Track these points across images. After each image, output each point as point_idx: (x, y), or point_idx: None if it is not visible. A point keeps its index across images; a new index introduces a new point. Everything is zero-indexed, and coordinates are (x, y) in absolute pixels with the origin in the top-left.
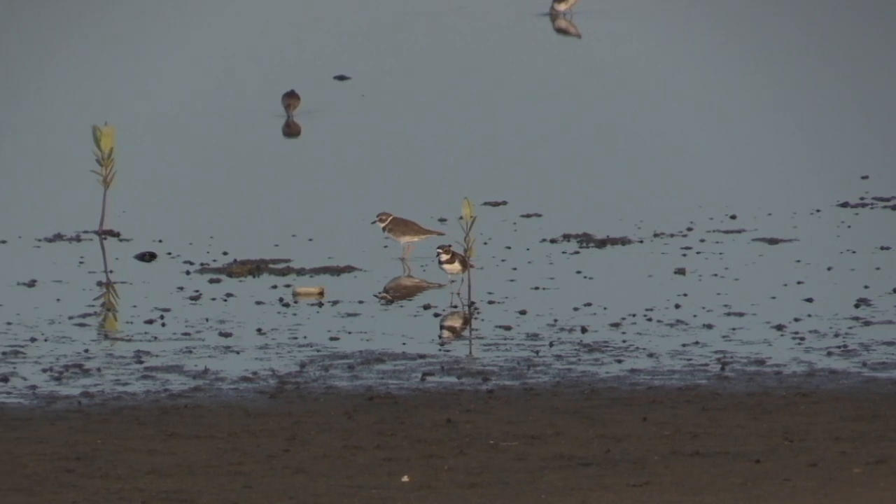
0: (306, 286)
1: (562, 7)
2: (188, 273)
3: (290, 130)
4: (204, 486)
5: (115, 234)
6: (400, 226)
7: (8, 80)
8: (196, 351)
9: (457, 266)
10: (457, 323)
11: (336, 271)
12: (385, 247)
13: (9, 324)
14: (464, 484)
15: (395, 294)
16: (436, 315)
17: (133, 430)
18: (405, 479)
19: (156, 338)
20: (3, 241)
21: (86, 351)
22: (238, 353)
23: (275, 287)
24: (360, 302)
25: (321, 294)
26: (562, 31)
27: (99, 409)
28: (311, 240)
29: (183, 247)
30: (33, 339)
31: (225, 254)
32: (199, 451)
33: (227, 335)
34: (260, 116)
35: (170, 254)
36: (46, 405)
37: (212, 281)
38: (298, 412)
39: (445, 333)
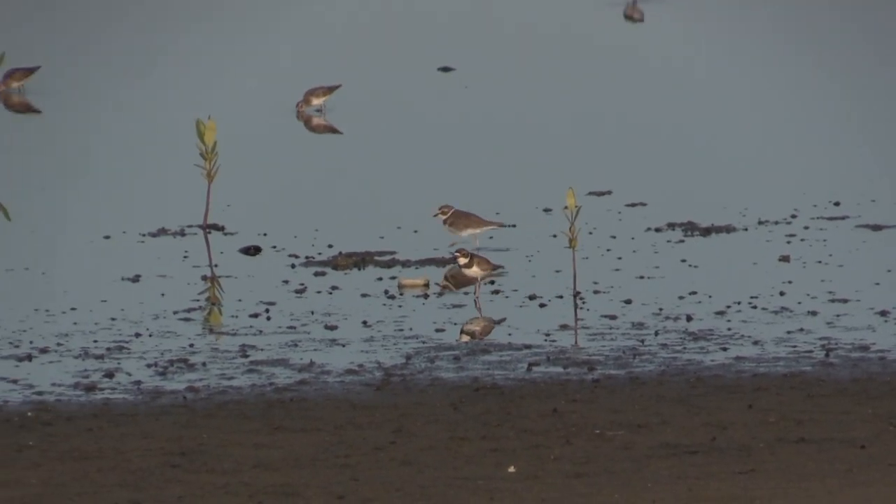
0: (411, 278)
1: None
2: (293, 266)
3: (306, 123)
4: (310, 479)
5: (220, 228)
6: (461, 219)
7: (108, 75)
8: (301, 344)
9: (476, 269)
10: (477, 327)
11: (441, 263)
12: (491, 238)
13: (113, 319)
14: (570, 473)
15: (455, 282)
16: (541, 306)
17: (238, 424)
18: (511, 469)
19: (261, 331)
20: (107, 237)
21: (190, 345)
22: (343, 345)
23: (380, 279)
24: (466, 293)
25: (426, 286)
26: (629, 19)
27: (204, 403)
28: (416, 231)
29: (287, 240)
30: (138, 335)
31: (330, 246)
32: (305, 445)
33: (332, 328)
34: (362, 107)
35: (274, 247)
36: (151, 400)
37: (317, 274)
38: (404, 404)
39: (464, 337)
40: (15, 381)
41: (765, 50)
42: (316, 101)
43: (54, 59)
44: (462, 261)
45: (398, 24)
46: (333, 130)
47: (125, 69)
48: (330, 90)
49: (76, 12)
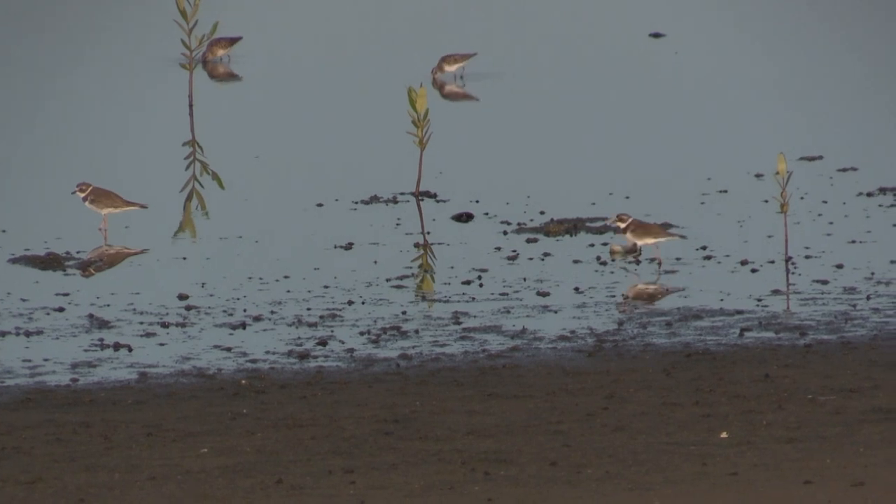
0: (623, 244)
1: None
2: (505, 233)
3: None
4: (523, 445)
5: (432, 195)
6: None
7: (327, 45)
8: (514, 311)
9: (630, 236)
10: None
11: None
12: (702, 203)
13: (326, 287)
14: (782, 439)
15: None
16: (753, 271)
17: (451, 391)
18: (724, 434)
19: (473, 298)
20: (320, 205)
21: (403, 313)
22: (556, 312)
23: (592, 245)
24: (678, 259)
25: (638, 252)
26: None
27: (417, 370)
28: (627, 198)
29: (500, 206)
30: (350, 302)
31: (542, 213)
32: (517, 411)
33: (544, 294)
34: (584, 73)
35: (486, 214)
36: (364, 368)
37: (529, 240)
38: (616, 370)
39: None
40: (229, 349)
41: None
42: (449, 68)
43: (257, 30)
44: (620, 225)
45: None
46: (468, 97)
47: (342, 37)
48: (464, 57)
49: None
